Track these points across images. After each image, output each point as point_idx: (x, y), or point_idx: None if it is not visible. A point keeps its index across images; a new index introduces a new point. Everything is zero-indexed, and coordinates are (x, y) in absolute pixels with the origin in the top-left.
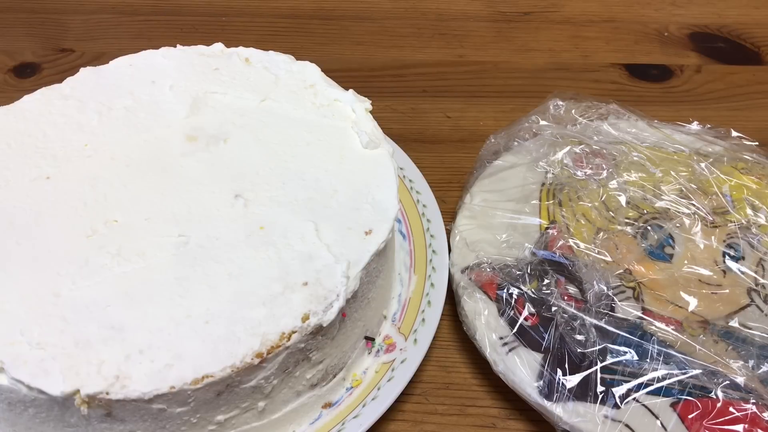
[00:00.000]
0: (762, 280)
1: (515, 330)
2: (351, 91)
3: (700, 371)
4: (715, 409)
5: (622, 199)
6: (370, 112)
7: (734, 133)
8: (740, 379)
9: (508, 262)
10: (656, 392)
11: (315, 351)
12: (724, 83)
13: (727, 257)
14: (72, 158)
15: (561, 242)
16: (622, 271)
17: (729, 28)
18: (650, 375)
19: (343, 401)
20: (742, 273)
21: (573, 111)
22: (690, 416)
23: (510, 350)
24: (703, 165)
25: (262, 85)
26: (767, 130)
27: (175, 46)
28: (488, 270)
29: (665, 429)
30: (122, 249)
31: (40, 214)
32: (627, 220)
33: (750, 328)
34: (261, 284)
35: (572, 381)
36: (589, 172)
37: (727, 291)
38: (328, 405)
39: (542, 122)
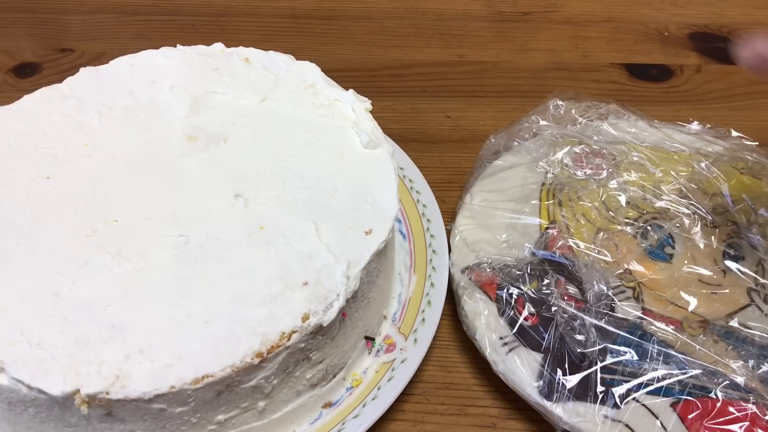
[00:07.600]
0: (762, 280)
1: (515, 330)
2: (351, 91)
3: (700, 371)
4: (715, 409)
5: (622, 199)
6: (370, 111)
7: (734, 133)
8: (740, 379)
9: (508, 262)
10: (656, 392)
11: (315, 351)
12: (724, 83)
13: (727, 257)
14: (72, 158)
15: (561, 242)
16: (622, 271)
17: (729, 28)
18: (650, 375)
19: (343, 401)
20: (742, 273)
21: (573, 111)
22: (690, 416)
23: (510, 350)
24: (703, 165)
25: (262, 85)
26: (767, 130)
27: (175, 46)
28: (488, 270)
29: (665, 429)
30: (122, 249)
31: (40, 214)
32: (627, 220)
33: (750, 328)
34: (261, 284)
35: (572, 381)
36: (589, 172)
37: (727, 291)
38: (328, 405)
39: (542, 122)
